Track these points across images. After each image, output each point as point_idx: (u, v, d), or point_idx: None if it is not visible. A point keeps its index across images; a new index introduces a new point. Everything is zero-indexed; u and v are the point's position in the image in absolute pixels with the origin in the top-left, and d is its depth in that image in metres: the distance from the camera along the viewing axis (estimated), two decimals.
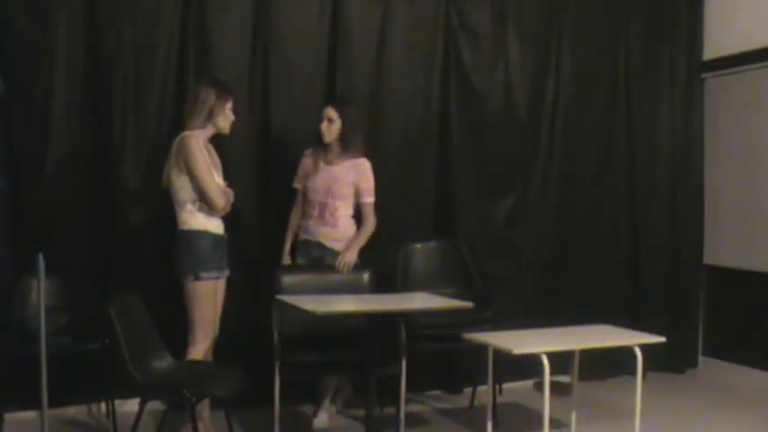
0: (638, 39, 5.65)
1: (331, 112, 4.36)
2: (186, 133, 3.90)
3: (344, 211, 4.42)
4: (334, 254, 4.39)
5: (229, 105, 4.01)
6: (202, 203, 3.91)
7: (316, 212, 4.40)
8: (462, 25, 5.20)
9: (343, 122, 4.36)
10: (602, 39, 5.58)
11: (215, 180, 3.91)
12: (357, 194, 4.42)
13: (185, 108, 4.04)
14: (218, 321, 4.03)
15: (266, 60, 4.76)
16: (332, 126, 4.35)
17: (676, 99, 5.75)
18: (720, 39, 5.68)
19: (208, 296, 3.93)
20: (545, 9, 5.42)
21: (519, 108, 5.35)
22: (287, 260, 4.51)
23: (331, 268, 4.35)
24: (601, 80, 5.58)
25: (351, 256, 4.36)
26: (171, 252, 3.95)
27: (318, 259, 4.43)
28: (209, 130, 3.97)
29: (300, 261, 4.47)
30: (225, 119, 4.00)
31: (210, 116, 3.95)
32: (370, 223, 4.43)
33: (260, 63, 4.76)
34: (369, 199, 4.44)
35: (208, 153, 3.95)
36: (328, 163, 4.41)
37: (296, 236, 4.51)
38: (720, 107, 5.69)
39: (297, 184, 4.53)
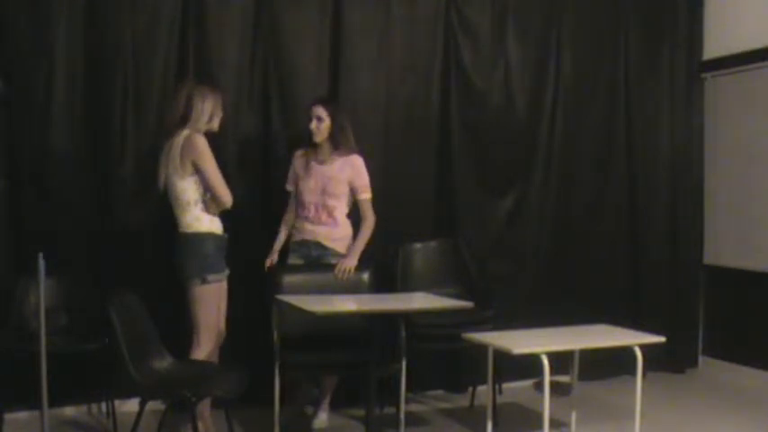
0: (638, 39, 5.65)
1: (320, 110, 4.33)
2: (188, 132, 3.90)
3: (341, 210, 4.41)
4: (336, 253, 4.39)
5: (221, 103, 4.04)
6: (205, 203, 3.91)
7: (311, 213, 4.37)
8: (462, 25, 5.20)
9: (333, 120, 4.33)
10: (602, 39, 5.58)
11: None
12: (353, 192, 4.41)
13: (173, 106, 4.00)
14: (223, 323, 4.03)
15: (266, 60, 4.76)
16: (321, 125, 4.32)
17: (676, 99, 5.76)
18: (720, 39, 5.68)
19: (214, 299, 3.94)
20: (545, 9, 5.42)
21: (519, 108, 5.35)
22: (274, 258, 4.45)
23: (331, 268, 4.34)
24: (601, 80, 5.59)
25: (351, 262, 4.35)
26: (175, 255, 3.94)
27: (318, 259, 4.42)
28: (203, 130, 3.98)
29: (296, 262, 4.44)
30: (218, 118, 4.03)
31: (210, 119, 3.98)
32: (370, 221, 4.42)
33: (260, 63, 4.76)
34: (365, 195, 4.42)
35: None
36: (320, 162, 4.38)
37: (289, 237, 4.49)
38: (720, 107, 5.69)
39: (289, 187, 4.51)
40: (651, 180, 5.70)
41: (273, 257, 4.47)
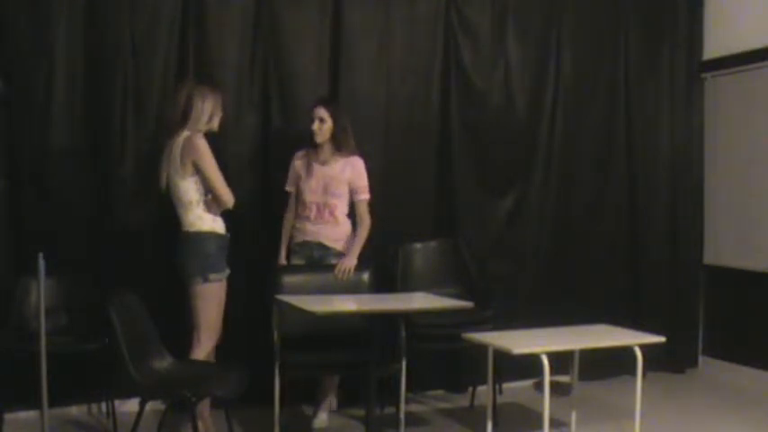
0: (638, 38, 5.65)
1: (322, 111, 4.35)
2: (189, 134, 3.90)
3: (343, 210, 4.43)
4: (337, 253, 4.40)
5: (221, 103, 4.04)
6: (207, 204, 3.91)
7: (313, 213, 4.39)
8: (462, 25, 5.20)
9: (335, 122, 4.35)
10: (602, 39, 5.58)
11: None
12: (351, 193, 4.42)
13: (173, 106, 4.00)
14: (221, 322, 4.03)
15: (266, 60, 4.76)
16: (324, 126, 4.34)
17: (676, 99, 5.75)
18: (720, 39, 5.68)
19: (215, 298, 3.94)
20: (545, 9, 5.42)
21: (519, 108, 5.35)
22: (283, 259, 4.50)
23: (331, 268, 4.35)
24: (601, 80, 5.58)
25: (351, 262, 4.36)
26: (177, 254, 3.94)
27: (320, 260, 4.43)
28: (203, 130, 3.98)
29: (298, 263, 4.45)
30: (218, 118, 4.04)
31: (210, 119, 3.99)
32: (366, 223, 4.43)
33: (260, 63, 4.76)
34: (363, 197, 4.43)
35: None
36: (322, 163, 4.40)
37: (290, 239, 4.51)
38: (720, 107, 5.69)
39: (289, 188, 4.51)
40: (651, 180, 5.70)
41: (283, 259, 4.48)
